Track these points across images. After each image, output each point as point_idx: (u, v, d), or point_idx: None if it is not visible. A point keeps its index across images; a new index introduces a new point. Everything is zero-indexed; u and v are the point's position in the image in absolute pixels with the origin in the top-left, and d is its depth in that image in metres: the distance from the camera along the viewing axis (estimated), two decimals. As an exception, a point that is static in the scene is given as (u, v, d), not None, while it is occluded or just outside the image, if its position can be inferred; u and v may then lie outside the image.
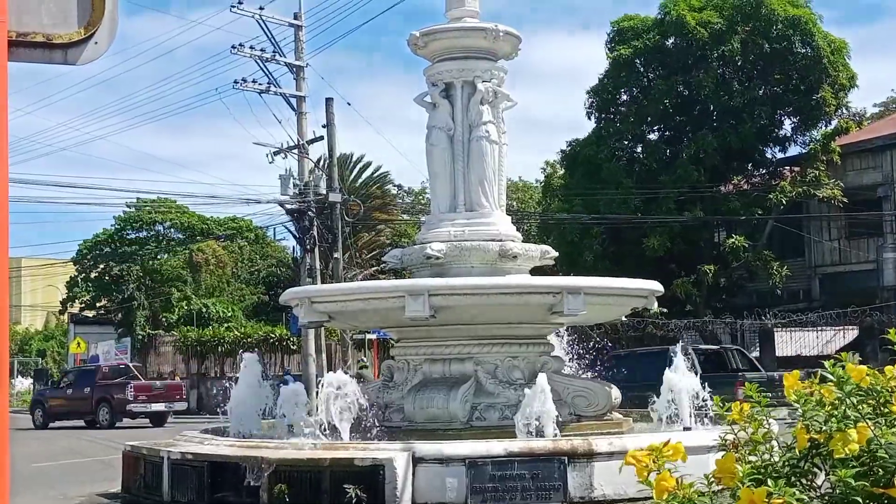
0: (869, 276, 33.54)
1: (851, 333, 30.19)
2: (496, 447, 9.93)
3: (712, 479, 2.57)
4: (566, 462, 9.75)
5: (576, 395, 12.27)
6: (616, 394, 12.58)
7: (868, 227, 34.17)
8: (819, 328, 31.19)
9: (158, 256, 50.97)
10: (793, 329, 30.93)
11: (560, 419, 11.42)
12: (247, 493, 10.14)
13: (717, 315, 31.92)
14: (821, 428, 2.50)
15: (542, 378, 11.18)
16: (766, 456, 2.59)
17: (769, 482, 2.37)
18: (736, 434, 2.71)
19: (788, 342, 31.09)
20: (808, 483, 2.52)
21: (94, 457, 18.75)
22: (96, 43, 2.94)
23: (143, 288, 48.12)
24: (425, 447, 9.97)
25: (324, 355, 33.30)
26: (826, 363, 2.70)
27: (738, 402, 2.74)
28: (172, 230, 55.17)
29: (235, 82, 31.10)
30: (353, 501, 9.38)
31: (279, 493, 9.74)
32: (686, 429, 11.33)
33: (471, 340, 12.33)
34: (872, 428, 2.45)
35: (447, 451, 9.90)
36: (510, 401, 11.80)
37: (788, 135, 34.57)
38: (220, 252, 49.94)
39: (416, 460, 9.72)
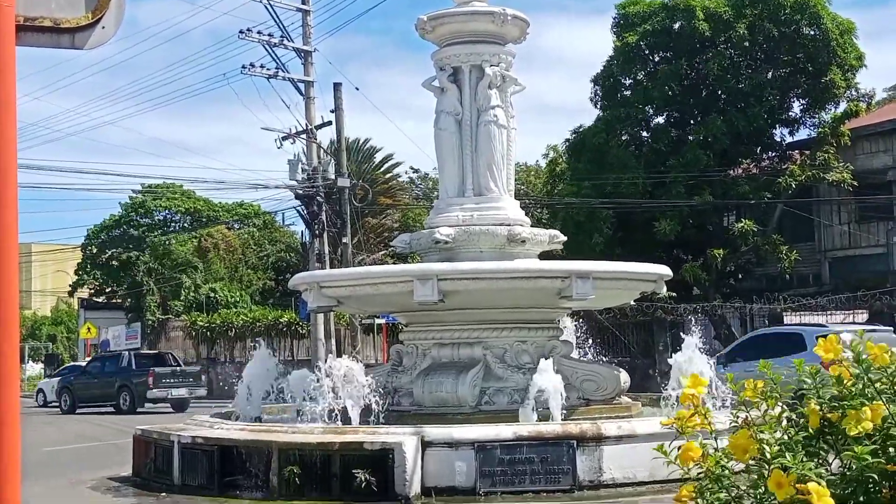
0: (879, 260, 33.43)
1: (861, 317, 30.07)
2: (505, 431, 9.94)
3: (725, 456, 2.58)
4: (575, 446, 9.77)
5: (584, 380, 12.27)
6: (625, 377, 12.58)
7: (878, 210, 34.01)
8: (829, 312, 31.08)
9: (167, 241, 51.01)
10: (802, 313, 30.83)
11: (569, 403, 11.43)
12: (257, 477, 10.19)
13: (727, 299, 31.85)
14: (833, 407, 2.50)
15: (545, 362, 11.16)
16: (779, 434, 2.59)
17: (788, 456, 2.38)
18: (749, 412, 2.71)
19: (798, 326, 31.02)
20: (820, 462, 2.52)
21: (106, 441, 18.84)
22: (104, 27, 2.93)
23: (153, 273, 48.17)
24: (434, 431, 9.99)
25: (333, 340, 33.39)
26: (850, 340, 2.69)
27: (752, 381, 2.73)
28: (179, 215, 55.24)
29: (244, 67, 31.08)
30: (363, 485, 9.41)
31: (289, 476, 9.77)
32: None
33: (479, 325, 12.34)
34: (887, 406, 2.45)
35: (456, 434, 9.92)
36: (519, 385, 11.82)
37: (797, 117, 34.38)
38: (229, 237, 49.99)
39: (426, 444, 9.74)
